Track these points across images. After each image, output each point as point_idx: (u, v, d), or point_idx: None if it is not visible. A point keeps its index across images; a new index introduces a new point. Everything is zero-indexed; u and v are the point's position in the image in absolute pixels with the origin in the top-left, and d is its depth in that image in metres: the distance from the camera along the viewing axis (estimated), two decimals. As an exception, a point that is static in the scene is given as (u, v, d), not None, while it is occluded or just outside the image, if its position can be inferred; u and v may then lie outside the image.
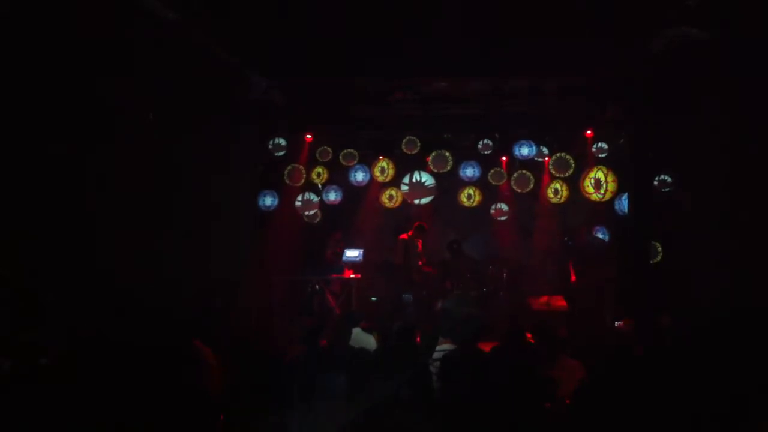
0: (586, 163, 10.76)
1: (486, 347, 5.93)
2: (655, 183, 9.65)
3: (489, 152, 11.49)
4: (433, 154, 11.42)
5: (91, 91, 6.45)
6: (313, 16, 7.15)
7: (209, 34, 7.78)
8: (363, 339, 6.45)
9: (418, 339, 6.03)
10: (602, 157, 10.80)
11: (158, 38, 7.01)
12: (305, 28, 7.45)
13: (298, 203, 11.65)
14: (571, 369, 5.53)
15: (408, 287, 11.68)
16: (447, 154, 11.40)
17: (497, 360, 5.41)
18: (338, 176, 11.99)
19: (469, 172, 11.58)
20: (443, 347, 5.68)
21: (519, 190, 11.67)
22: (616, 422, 3.78)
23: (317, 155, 11.65)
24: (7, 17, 5.46)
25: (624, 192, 9.94)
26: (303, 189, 11.71)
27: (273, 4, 7.00)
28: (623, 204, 10.02)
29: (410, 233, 11.93)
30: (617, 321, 8.04)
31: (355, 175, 11.63)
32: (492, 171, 11.81)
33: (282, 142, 11.18)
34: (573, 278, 11.17)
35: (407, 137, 11.36)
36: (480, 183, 11.78)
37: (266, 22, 7.36)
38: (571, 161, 10.97)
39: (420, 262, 11.92)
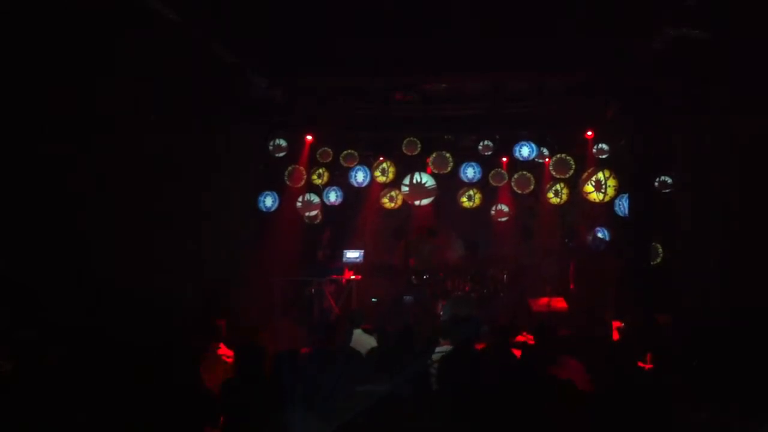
0: (586, 164, 10.75)
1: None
2: (656, 184, 9.65)
3: (489, 153, 11.49)
4: (434, 155, 11.42)
5: (91, 91, 6.44)
6: (312, 16, 7.16)
7: (209, 34, 7.78)
8: (364, 340, 6.45)
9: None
10: (603, 158, 10.79)
11: (158, 38, 7.01)
12: (305, 29, 7.46)
13: (298, 204, 11.64)
14: (573, 370, 5.52)
15: (408, 288, 11.68)
16: (447, 155, 11.39)
17: (489, 360, 5.41)
18: (339, 177, 12.00)
19: (470, 173, 11.57)
20: (443, 348, 5.68)
21: (519, 191, 11.67)
22: (619, 424, 3.77)
23: (318, 156, 11.66)
24: (7, 15, 5.45)
25: (624, 193, 9.93)
26: (304, 190, 11.70)
27: (273, 4, 7.01)
28: (624, 205, 10.01)
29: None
30: (617, 321, 8.02)
31: (355, 176, 11.60)
32: (492, 172, 11.81)
33: (282, 143, 11.18)
34: (572, 286, 11.21)
35: (408, 138, 11.36)
36: (480, 184, 11.78)
37: (266, 21, 7.37)
38: (572, 162, 10.97)
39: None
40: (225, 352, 5.90)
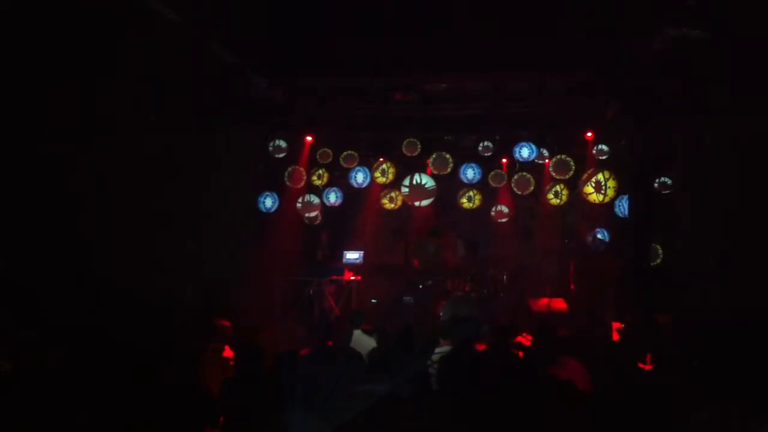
0: (586, 165, 10.75)
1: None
2: (656, 184, 9.65)
3: (489, 154, 11.48)
4: (434, 155, 11.40)
5: (91, 91, 6.44)
6: (312, 16, 7.16)
7: (209, 34, 7.78)
8: (364, 341, 6.45)
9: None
10: (603, 159, 10.79)
11: (158, 38, 7.01)
12: (305, 29, 7.47)
13: (298, 205, 11.63)
14: (573, 370, 5.51)
15: (408, 289, 11.68)
16: (447, 155, 11.38)
17: (489, 360, 5.41)
18: (339, 178, 12.00)
19: (470, 174, 11.56)
20: (443, 348, 5.68)
21: (519, 192, 11.66)
22: (619, 424, 3.77)
23: (317, 157, 11.64)
24: (7, 15, 5.45)
25: (624, 193, 9.93)
26: (304, 191, 11.69)
27: (273, 4, 7.01)
28: (623, 205, 10.01)
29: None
30: (617, 322, 8.03)
31: (355, 177, 11.57)
32: (492, 173, 11.80)
33: (282, 143, 11.16)
34: (572, 286, 11.22)
35: (408, 139, 11.35)
36: (480, 185, 11.78)
37: (266, 21, 7.37)
38: (572, 163, 10.95)
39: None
40: (229, 354, 5.89)
